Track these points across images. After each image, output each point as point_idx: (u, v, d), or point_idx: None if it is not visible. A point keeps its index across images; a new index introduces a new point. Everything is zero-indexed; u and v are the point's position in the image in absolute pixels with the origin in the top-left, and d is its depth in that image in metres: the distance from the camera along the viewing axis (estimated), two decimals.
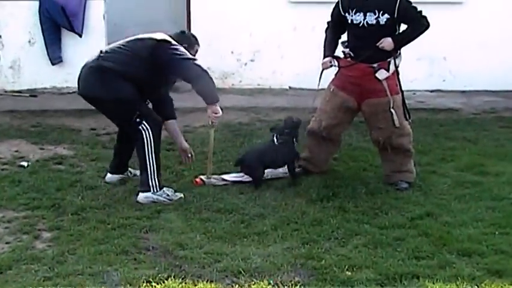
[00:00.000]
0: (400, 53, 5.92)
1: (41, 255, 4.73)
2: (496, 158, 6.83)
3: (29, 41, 9.31)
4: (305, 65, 9.12)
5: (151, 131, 5.68)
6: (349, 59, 5.95)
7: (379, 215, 5.43)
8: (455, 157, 6.86)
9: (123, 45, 5.82)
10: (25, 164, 6.61)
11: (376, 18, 5.76)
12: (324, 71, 6.11)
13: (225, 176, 6.16)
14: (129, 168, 6.23)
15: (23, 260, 4.64)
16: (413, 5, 5.81)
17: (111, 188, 5.97)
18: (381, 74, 5.81)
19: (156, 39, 5.71)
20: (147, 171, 5.68)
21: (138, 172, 5.95)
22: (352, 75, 5.93)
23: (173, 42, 5.73)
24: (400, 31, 5.91)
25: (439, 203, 5.67)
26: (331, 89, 6.09)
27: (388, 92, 5.83)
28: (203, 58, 9.16)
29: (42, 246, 4.91)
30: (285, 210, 5.48)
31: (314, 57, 8.65)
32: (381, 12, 5.74)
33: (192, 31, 9.27)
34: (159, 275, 4.39)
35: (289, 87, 9.51)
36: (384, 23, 5.75)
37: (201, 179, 6.09)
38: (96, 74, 5.71)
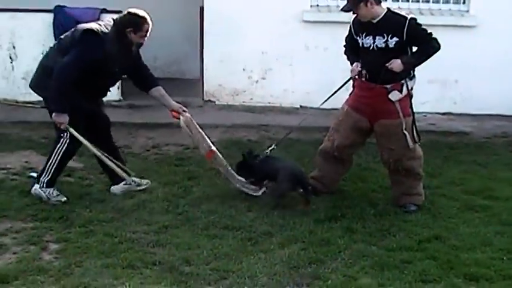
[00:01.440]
0: (414, 75, 5.92)
1: (48, 266, 4.75)
2: (506, 183, 6.80)
3: (42, 53, 9.23)
4: (316, 84, 9.17)
5: (68, 145, 5.88)
6: (363, 79, 5.95)
7: (386, 237, 5.41)
8: (465, 181, 6.83)
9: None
10: (34, 175, 6.58)
11: (385, 42, 5.76)
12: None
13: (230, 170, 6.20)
14: (133, 178, 6.23)
15: (29, 271, 4.66)
16: (423, 27, 5.82)
17: (119, 201, 5.98)
18: (394, 96, 5.81)
19: (81, 31, 5.70)
20: (45, 168, 5.94)
21: (143, 181, 6.18)
22: (366, 95, 5.93)
23: (77, 40, 5.67)
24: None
25: (447, 226, 5.65)
26: (345, 109, 6.10)
27: (401, 114, 5.83)
28: (215, 74, 9.47)
29: (49, 257, 4.92)
30: (293, 229, 5.47)
31: (325, 77, 8.78)
32: (390, 35, 5.75)
33: (205, 48, 9.41)
34: None
35: (300, 106, 9.51)
36: (393, 46, 5.75)
37: (212, 151, 6.17)
38: (38, 72, 5.96)
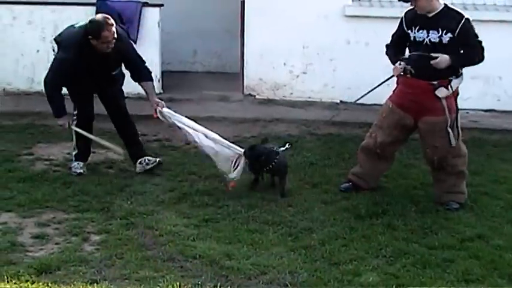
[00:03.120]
0: (461, 73, 5.82)
1: (89, 257, 4.80)
2: None
3: None
4: (357, 79, 9.09)
5: (77, 120, 6.53)
6: (409, 75, 5.86)
7: (428, 235, 5.35)
8: (508, 179, 6.71)
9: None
10: None
11: (439, 37, 5.68)
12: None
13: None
14: (146, 157, 6.62)
15: (71, 262, 4.71)
16: (476, 32, 5.72)
17: (160, 194, 6.01)
18: (441, 92, 5.72)
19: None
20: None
21: (152, 159, 6.60)
22: (411, 92, 5.85)
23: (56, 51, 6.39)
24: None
25: (490, 226, 5.56)
26: (389, 106, 6.02)
27: (447, 111, 5.75)
28: (255, 68, 9.45)
29: (90, 248, 4.97)
30: (333, 225, 5.44)
31: (366, 72, 8.70)
32: (444, 31, 5.66)
33: (246, 42, 9.40)
34: (205, 284, 4.40)
35: (340, 101, 9.44)
36: (446, 42, 5.67)
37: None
38: None
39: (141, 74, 6.53)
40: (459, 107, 6.02)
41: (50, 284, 4.39)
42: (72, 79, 6.27)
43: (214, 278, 4.53)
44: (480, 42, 5.74)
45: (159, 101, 6.47)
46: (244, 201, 5.85)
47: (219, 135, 6.38)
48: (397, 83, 6.01)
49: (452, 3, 8.88)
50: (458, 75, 5.80)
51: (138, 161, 6.61)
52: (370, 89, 6.20)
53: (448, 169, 5.89)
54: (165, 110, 6.41)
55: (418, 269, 4.76)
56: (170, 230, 5.24)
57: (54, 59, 6.35)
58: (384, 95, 6.20)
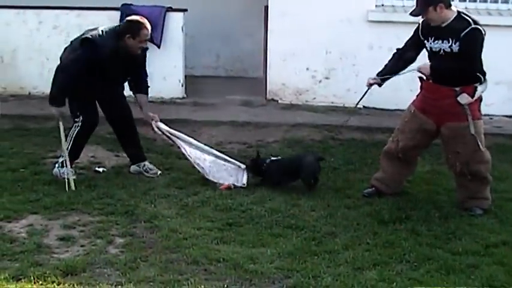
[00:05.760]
0: (486, 80, 5.78)
1: (114, 260, 4.83)
2: None
3: None
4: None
5: (79, 129, 6.39)
6: (431, 81, 5.86)
7: (452, 240, 5.33)
8: None
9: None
10: (101, 169, 6.76)
11: (449, 46, 5.66)
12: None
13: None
14: (146, 162, 6.72)
15: (96, 264, 4.76)
16: (482, 46, 5.65)
17: (183, 197, 6.04)
18: (463, 98, 5.70)
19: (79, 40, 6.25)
20: (62, 151, 6.40)
21: (153, 170, 6.65)
22: (433, 97, 5.84)
23: (78, 45, 6.22)
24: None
25: None
26: (412, 110, 6.02)
27: (470, 117, 5.72)
28: (278, 73, 9.46)
29: (115, 251, 5.01)
30: (357, 230, 5.44)
31: None
32: (454, 40, 5.65)
33: (269, 47, 9.42)
34: None
35: (363, 107, 9.42)
36: (456, 50, 5.64)
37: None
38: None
39: (142, 86, 6.65)
40: (483, 112, 6.00)
41: (75, 286, 4.43)
42: (87, 79, 6.18)
43: (238, 281, 4.55)
44: (477, 58, 5.67)
45: (154, 115, 6.62)
46: (267, 206, 5.87)
47: (219, 153, 6.72)
48: (421, 88, 6.00)
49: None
50: (483, 81, 5.77)
51: (137, 164, 6.71)
52: (362, 94, 6.31)
53: (471, 175, 5.86)
54: (160, 124, 6.60)
55: (442, 274, 4.74)
56: (194, 233, 5.27)
57: (77, 50, 6.19)
58: (407, 100, 6.20)
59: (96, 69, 6.18)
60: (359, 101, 6.38)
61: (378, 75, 6.13)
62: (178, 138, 6.62)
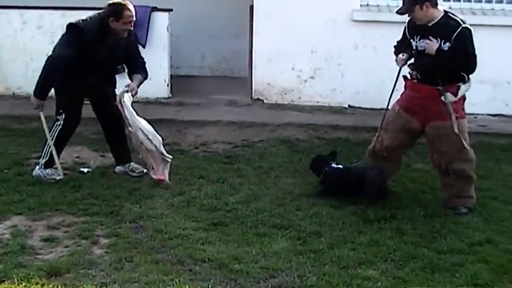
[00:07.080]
0: (469, 79, 5.81)
1: (99, 260, 4.81)
2: None
3: None
4: (365, 84, 9.14)
5: (62, 127, 6.34)
6: (415, 80, 5.88)
7: (437, 239, 5.34)
8: None
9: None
10: (85, 170, 6.72)
11: (438, 46, 5.69)
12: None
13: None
14: (131, 163, 6.68)
15: (81, 265, 4.73)
16: (473, 43, 5.68)
17: (169, 197, 6.02)
18: (447, 98, 5.73)
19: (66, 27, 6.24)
20: (43, 150, 6.42)
21: (139, 169, 6.61)
22: (417, 96, 5.87)
23: (66, 32, 6.20)
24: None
25: (500, 230, 5.55)
26: (396, 110, 6.04)
27: (454, 116, 5.74)
28: (264, 73, 9.47)
29: (99, 252, 4.98)
30: (342, 229, 5.44)
31: (374, 77, 8.71)
32: (443, 40, 5.67)
33: (254, 47, 9.42)
34: None
35: (349, 106, 9.46)
36: (446, 50, 5.66)
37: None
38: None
39: (141, 68, 6.53)
40: (468, 111, 6.03)
41: (59, 287, 4.40)
42: (78, 66, 6.12)
43: (223, 281, 4.54)
44: (474, 54, 5.70)
45: (135, 87, 6.40)
46: (252, 205, 5.86)
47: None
48: (405, 87, 6.02)
49: (460, 9, 9.03)
50: (466, 81, 5.79)
51: (122, 165, 6.68)
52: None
53: (456, 174, 5.88)
54: (127, 96, 6.30)
55: (427, 273, 4.76)
56: (179, 234, 5.25)
57: (64, 36, 6.22)
58: (392, 99, 6.21)
59: (85, 56, 6.07)
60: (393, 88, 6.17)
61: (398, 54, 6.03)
62: (133, 121, 6.33)
